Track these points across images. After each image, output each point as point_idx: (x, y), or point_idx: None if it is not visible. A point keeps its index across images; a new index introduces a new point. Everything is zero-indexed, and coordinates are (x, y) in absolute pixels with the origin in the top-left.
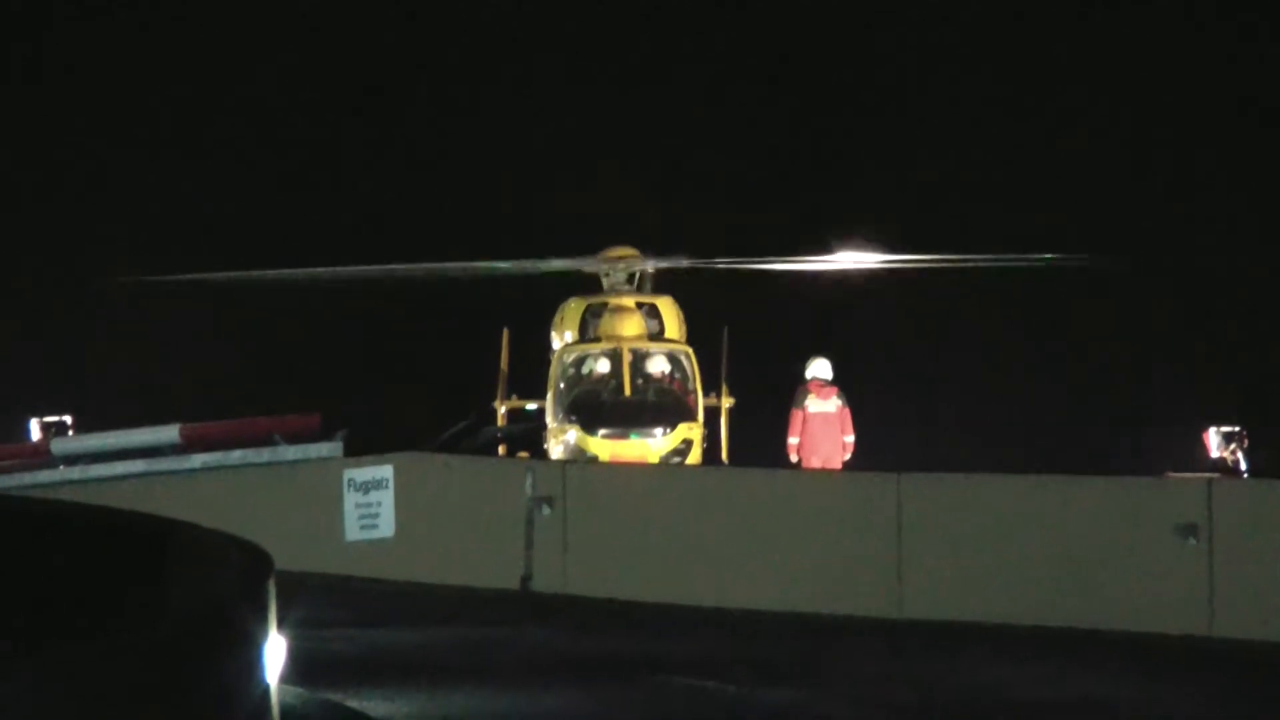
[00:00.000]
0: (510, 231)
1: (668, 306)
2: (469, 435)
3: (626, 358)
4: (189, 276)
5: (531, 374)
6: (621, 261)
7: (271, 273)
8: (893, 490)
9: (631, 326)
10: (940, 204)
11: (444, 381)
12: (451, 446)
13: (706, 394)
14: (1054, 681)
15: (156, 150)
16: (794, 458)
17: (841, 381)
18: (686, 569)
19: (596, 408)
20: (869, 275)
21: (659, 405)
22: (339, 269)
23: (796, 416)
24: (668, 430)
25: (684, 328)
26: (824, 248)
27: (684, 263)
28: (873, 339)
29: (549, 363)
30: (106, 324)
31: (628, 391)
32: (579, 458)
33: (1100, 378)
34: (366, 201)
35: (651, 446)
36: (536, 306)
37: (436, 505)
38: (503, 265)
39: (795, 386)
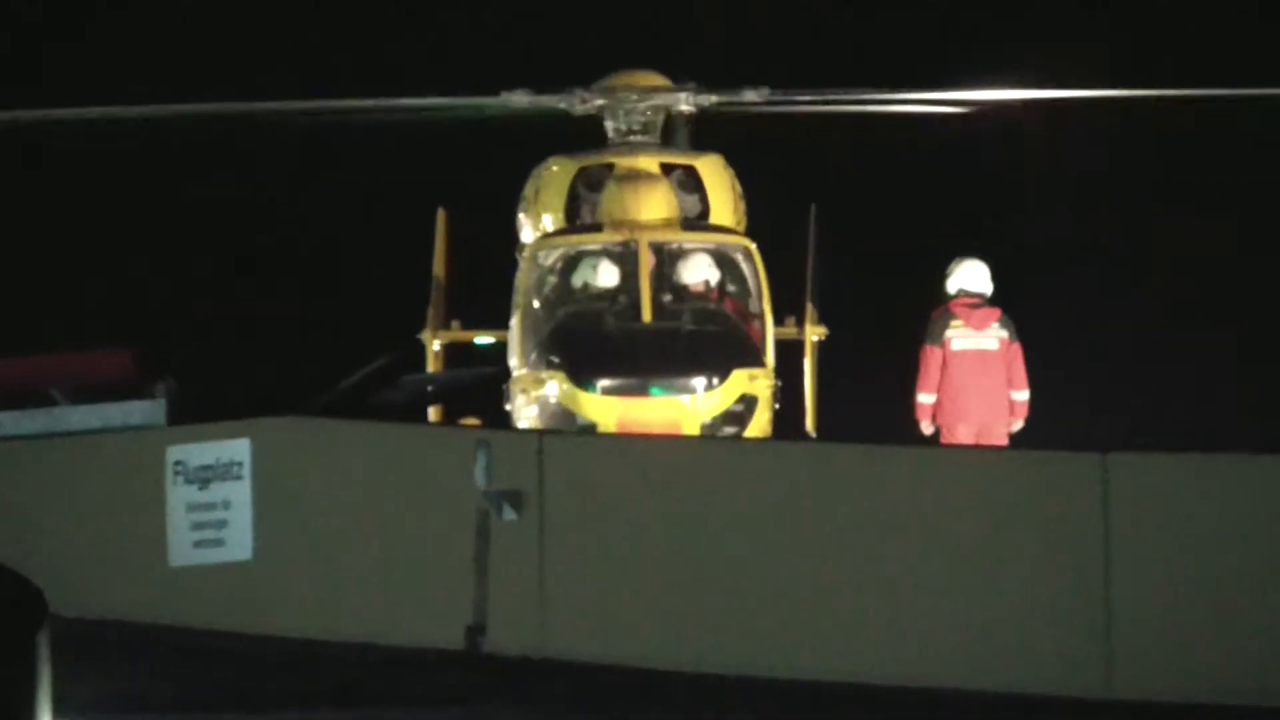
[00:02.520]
0: (456, 55)
1: (715, 172)
2: (380, 387)
3: (646, 259)
4: None
5: (486, 286)
6: (638, 95)
7: (45, 113)
8: (1096, 479)
9: (654, 205)
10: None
11: (341, 299)
12: (353, 405)
13: (781, 319)
14: None
15: None
16: (927, 426)
17: (1008, 300)
18: (746, 614)
19: (595, 344)
20: (1052, 124)
21: (700, 339)
22: (159, 108)
23: (932, 357)
24: (714, 381)
25: (742, 208)
26: (977, 79)
27: (750, 96)
28: (1056, 231)
29: (515, 267)
30: None
31: (647, 315)
32: (565, 426)
33: None
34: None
35: (687, 408)
36: (495, 175)
37: (325, 507)
38: (438, 103)
39: (930, 309)
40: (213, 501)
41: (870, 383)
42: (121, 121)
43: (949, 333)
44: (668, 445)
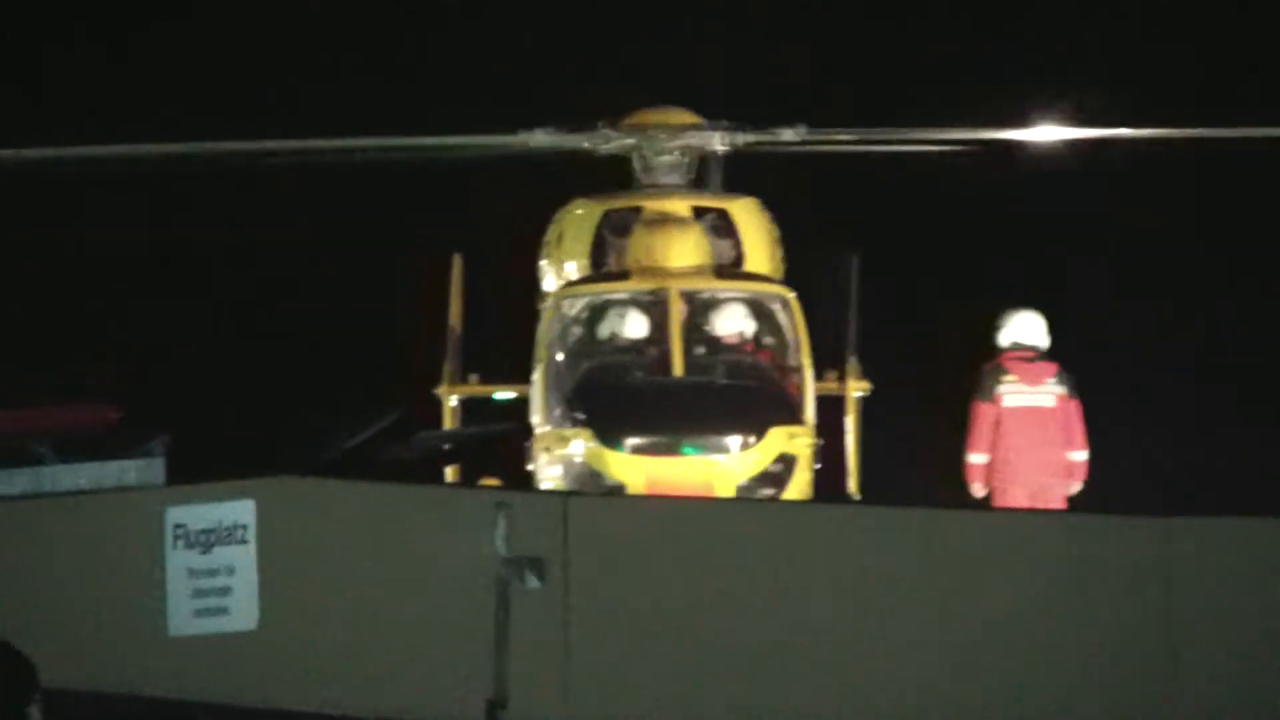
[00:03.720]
0: (475, 91)
1: (750, 216)
2: (392, 444)
3: (677, 308)
4: None
5: (506, 337)
6: (667, 134)
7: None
8: (1159, 546)
9: (686, 251)
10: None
11: (350, 350)
12: (363, 464)
13: (822, 374)
14: None
15: None
16: (979, 488)
17: (1064, 353)
18: (783, 685)
19: (622, 399)
20: (1116, 162)
21: (734, 395)
22: (148, 148)
23: (983, 415)
24: (751, 439)
25: (779, 254)
26: (1029, 117)
27: (787, 134)
28: (1120, 278)
29: (537, 318)
30: None
31: (678, 369)
32: (591, 487)
33: None
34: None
35: (722, 468)
36: (516, 219)
37: (334, 572)
38: (456, 142)
39: (980, 363)
40: (215, 567)
41: (917, 442)
42: (126, 160)
43: (1001, 388)
44: (700, 508)
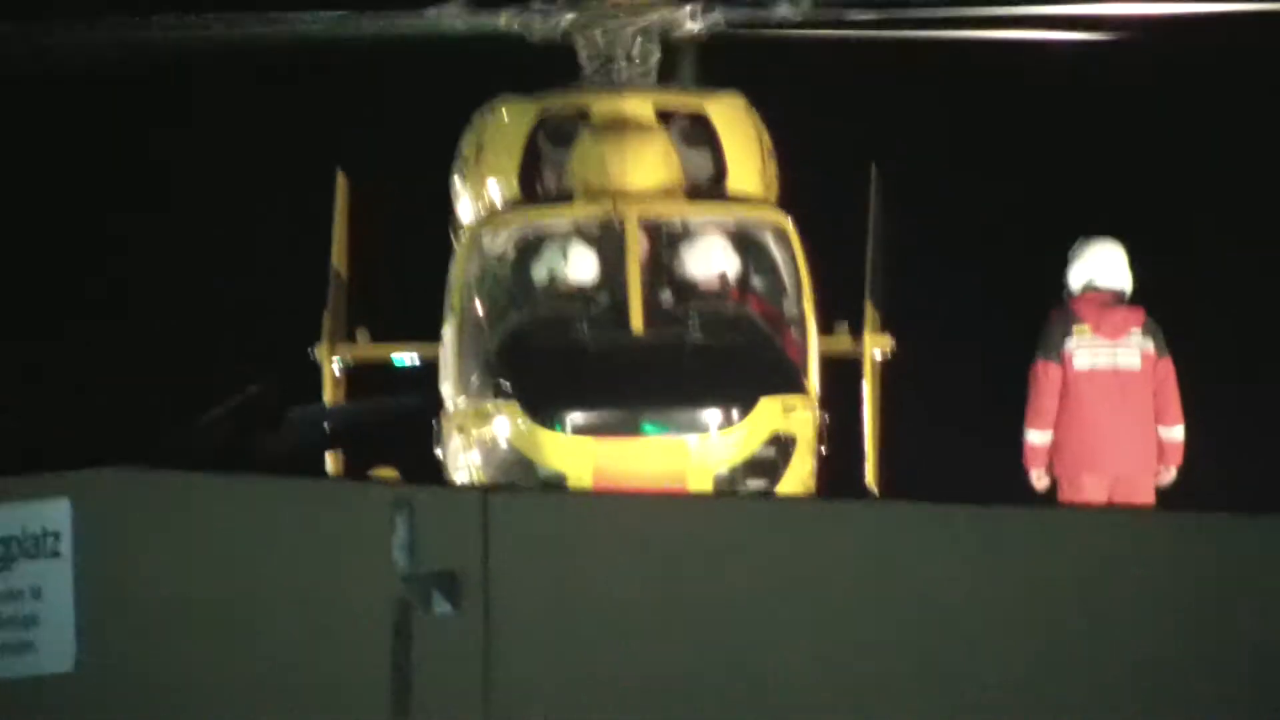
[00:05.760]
0: None
1: (734, 119)
2: (257, 425)
3: (636, 243)
4: None
5: (408, 281)
6: (624, 11)
7: None
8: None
9: (648, 166)
10: None
11: (203, 301)
12: (217, 451)
13: (829, 326)
14: None
15: None
16: (1041, 477)
17: (1152, 298)
18: None
19: (563, 363)
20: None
21: (712, 355)
22: None
23: (1047, 379)
24: (734, 414)
25: (773, 169)
26: None
27: (783, 11)
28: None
29: (451, 255)
30: None
31: (638, 323)
32: (521, 479)
33: None
34: None
35: (695, 453)
36: (420, 125)
37: (178, 594)
38: (336, 23)
39: (1047, 309)
40: (18, 589)
41: (957, 416)
42: None
43: (1071, 344)
44: (667, 506)
